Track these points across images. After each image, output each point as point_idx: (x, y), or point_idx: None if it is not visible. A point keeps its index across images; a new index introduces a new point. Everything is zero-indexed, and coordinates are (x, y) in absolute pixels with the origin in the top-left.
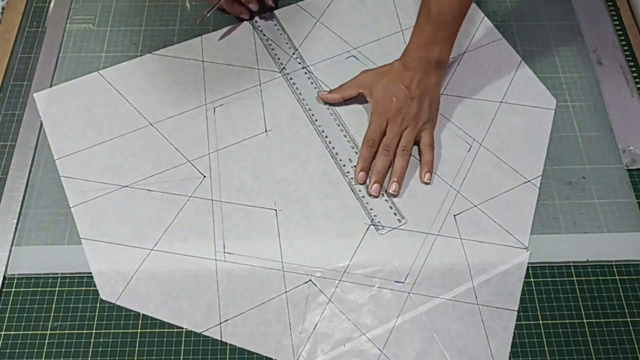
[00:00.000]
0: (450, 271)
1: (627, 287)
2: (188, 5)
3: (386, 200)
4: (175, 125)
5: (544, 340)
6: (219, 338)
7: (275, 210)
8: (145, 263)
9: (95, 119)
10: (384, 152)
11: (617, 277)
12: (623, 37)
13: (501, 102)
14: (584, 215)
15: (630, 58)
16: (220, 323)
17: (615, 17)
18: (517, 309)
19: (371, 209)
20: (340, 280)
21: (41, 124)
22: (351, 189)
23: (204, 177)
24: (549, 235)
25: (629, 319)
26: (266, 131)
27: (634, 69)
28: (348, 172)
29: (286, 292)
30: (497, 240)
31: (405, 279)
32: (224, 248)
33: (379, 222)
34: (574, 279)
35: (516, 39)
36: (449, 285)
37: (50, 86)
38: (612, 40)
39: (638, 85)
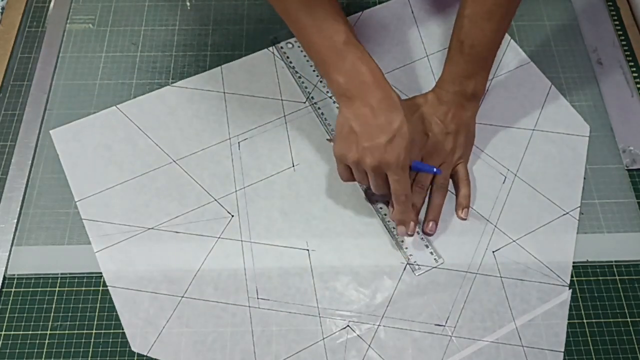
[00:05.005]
0: (491, 312)
1: (627, 287)
2: (188, 4)
3: (422, 238)
4: (200, 162)
5: None
6: None
7: (308, 250)
8: (176, 311)
9: (116, 156)
10: (418, 189)
11: (617, 277)
12: (623, 37)
13: (533, 129)
14: (584, 215)
15: (630, 58)
16: None
17: (615, 17)
18: (563, 349)
19: (406, 248)
20: (378, 325)
21: (41, 124)
22: (385, 226)
23: (232, 216)
24: None
25: (629, 319)
26: (293, 166)
27: (634, 69)
28: (381, 208)
29: (324, 338)
30: (538, 277)
31: (446, 322)
32: (257, 293)
33: (415, 261)
34: (574, 279)
35: (516, 39)
36: (492, 327)
37: (50, 86)
38: (612, 40)
39: (638, 85)
